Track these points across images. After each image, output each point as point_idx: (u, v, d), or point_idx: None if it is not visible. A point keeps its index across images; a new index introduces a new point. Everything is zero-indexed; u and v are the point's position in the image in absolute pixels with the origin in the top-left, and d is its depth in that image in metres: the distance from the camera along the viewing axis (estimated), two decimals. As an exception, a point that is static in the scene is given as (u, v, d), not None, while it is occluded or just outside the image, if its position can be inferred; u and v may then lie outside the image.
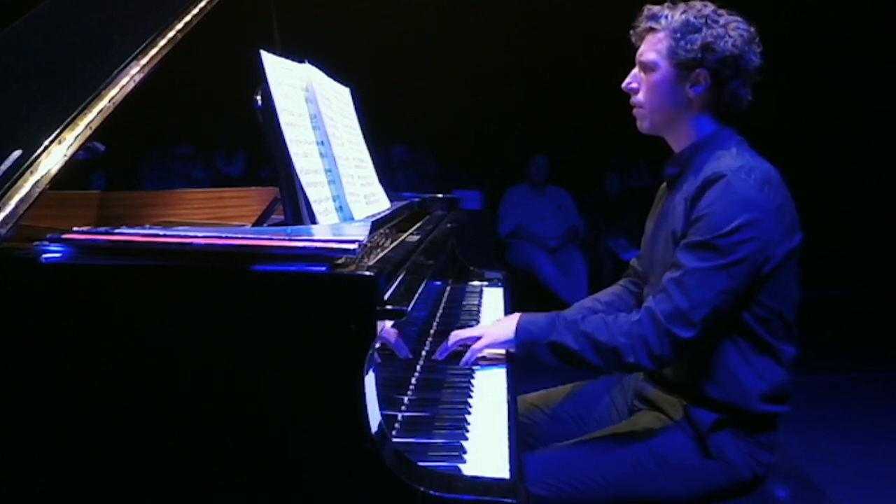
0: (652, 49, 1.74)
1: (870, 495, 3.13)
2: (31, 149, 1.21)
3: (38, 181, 1.18)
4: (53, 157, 1.20)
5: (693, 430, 1.69)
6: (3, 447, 1.11)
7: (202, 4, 1.47)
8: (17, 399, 1.11)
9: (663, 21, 1.72)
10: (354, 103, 2.00)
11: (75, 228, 1.14)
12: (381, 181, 2.00)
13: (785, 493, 1.71)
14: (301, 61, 1.62)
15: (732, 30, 1.69)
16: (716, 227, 1.58)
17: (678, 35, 1.70)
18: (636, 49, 1.79)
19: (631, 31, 1.80)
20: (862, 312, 6.34)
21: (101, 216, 2.16)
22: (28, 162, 1.19)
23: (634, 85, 1.79)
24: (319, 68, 1.69)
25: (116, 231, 1.16)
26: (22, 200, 1.16)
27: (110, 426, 1.10)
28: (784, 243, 1.63)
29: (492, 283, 2.71)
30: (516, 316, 1.74)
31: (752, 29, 1.73)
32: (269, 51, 1.44)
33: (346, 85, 1.98)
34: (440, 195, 2.88)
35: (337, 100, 1.81)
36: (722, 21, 1.70)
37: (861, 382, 4.65)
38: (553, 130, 7.29)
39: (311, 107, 1.58)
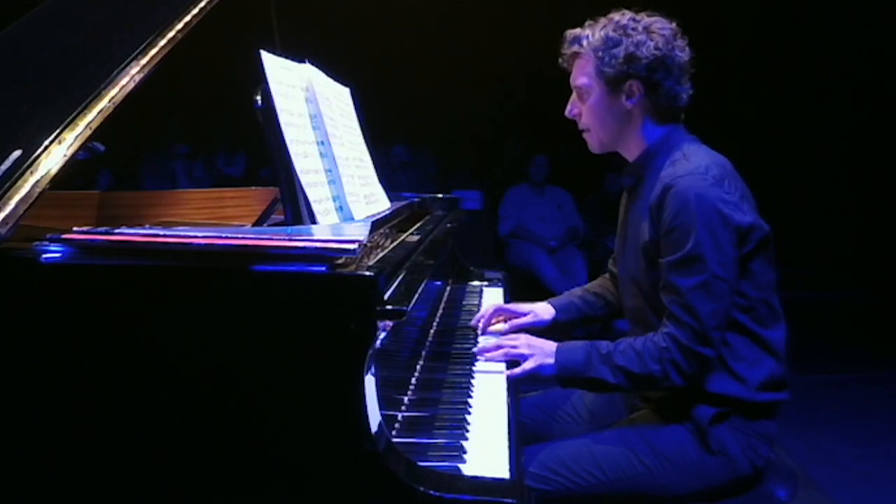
0: (581, 73, 1.77)
1: (870, 495, 3.12)
2: (31, 149, 1.21)
3: (38, 181, 1.18)
4: (53, 157, 1.20)
5: (693, 425, 1.69)
6: (3, 447, 1.11)
7: (202, 4, 1.48)
8: (18, 399, 1.11)
9: (585, 43, 1.75)
10: (354, 103, 2.00)
11: (75, 228, 1.15)
12: (381, 181, 2.00)
13: (785, 492, 1.71)
14: (301, 61, 1.62)
15: (653, 32, 1.71)
16: (688, 238, 1.60)
17: (600, 53, 1.72)
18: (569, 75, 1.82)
19: (560, 59, 1.83)
20: (862, 313, 6.33)
21: (101, 216, 2.17)
22: (28, 162, 1.19)
23: (576, 111, 1.82)
24: (319, 68, 1.69)
25: (116, 231, 1.16)
26: (22, 200, 1.16)
27: (110, 426, 1.10)
28: (756, 230, 1.65)
29: (492, 283, 2.71)
30: (554, 343, 1.76)
31: (674, 25, 1.75)
32: (269, 51, 1.44)
33: (346, 85, 1.98)
34: (440, 195, 2.89)
35: (337, 100, 1.81)
36: (641, 27, 1.71)
37: (861, 382, 4.65)
38: (553, 130, 7.27)
39: (311, 107, 1.58)
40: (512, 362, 1.76)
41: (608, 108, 1.76)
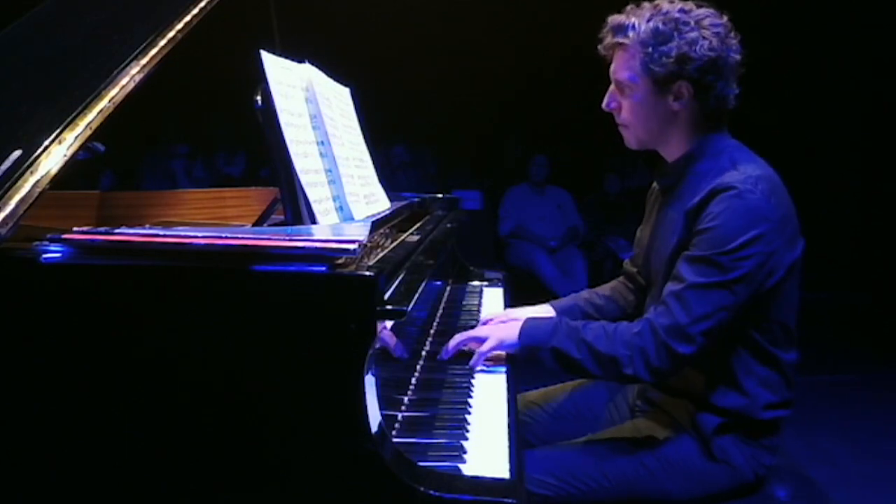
0: (625, 67, 1.65)
1: (870, 496, 3.12)
2: (31, 149, 1.21)
3: (38, 181, 1.18)
4: (53, 157, 1.20)
5: (697, 433, 1.68)
6: (3, 447, 1.11)
7: (202, 4, 1.47)
8: (17, 399, 1.11)
9: (631, 34, 1.62)
10: (354, 103, 2.00)
11: (75, 228, 1.14)
12: (381, 181, 2.00)
13: (785, 493, 1.71)
14: (301, 61, 1.62)
15: (705, 28, 1.59)
16: (720, 242, 1.53)
17: (650, 49, 1.60)
18: (608, 63, 1.70)
19: (598, 46, 1.70)
20: (862, 314, 6.33)
21: (101, 216, 2.17)
22: (28, 162, 1.19)
23: (615, 105, 1.71)
24: (319, 68, 1.69)
25: (116, 231, 1.16)
26: (22, 200, 1.16)
27: (110, 426, 1.10)
28: (789, 253, 1.60)
29: (492, 283, 2.71)
30: (521, 318, 1.72)
31: (725, 19, 1.64)
32: (269, 51, 1.44)
33: (346, 85, 1.98)
34: (440, 195, 2.88)
35: (337, 100, 1.81)
36: (692, 21, 1.60)
37: (861, 384, 4.65)
38: (553, 130, 7.29)
39: (311, 107, 1.58)
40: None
41: (652, 107, 1.65)
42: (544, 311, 1.99)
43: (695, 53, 1.59)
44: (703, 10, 1.63)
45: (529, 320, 1.70)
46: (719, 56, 1.60)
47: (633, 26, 1.62)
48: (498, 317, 1.95)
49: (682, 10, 1.61)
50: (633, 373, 1.56)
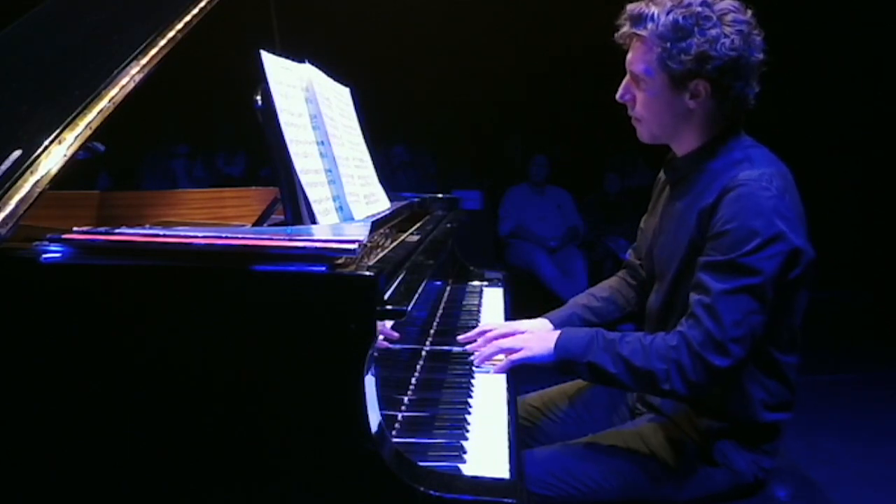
0: (641, 59, 1.59)
1: (870, 496, 3.12)
2: (31, 149, 1.21)
3: (38, 181, 1.18)
4: (53, 157, 1.20)
5: (697, 437, 1.68)
6: (3, 447, 1.11)
7: (202, 4, 1.47)
8: (17, 399, 1.11)
9: (650, 25, 1.55)
10: (354, 103, 2.00)
11: (75, 228, 1.14)
12: (381, 181, 2.00)
13: (785, 493, 1.71)
14: (301, 61, 1.62)
15: (728, 25, 1.53)
16: (738, 244, 1.49)
17: (668, 44, 1.54)
18: (625, 51, 1.65)
19: (615, 34, 1.64)
20: (862, 313, 6.33)
21: (101, 216, 2.17)
22: (28, 162, 1.19)
23: (628, 97, 1.66)
24: (319, 68, 1.69)
25: (116, 231, 1.16)
26: (22, 200, 1.16)
27: (110, 426, 1.10)
28: (805, 254, 1.55)
29: (492, 283, 2.71)
30: (556, 331, 1.69)
31: (749, 14, 1.57)
32: (269, 51, 1.44)
33: (346, 85, 1.98)
34: (440, 195, 2.88)
35: (337, 100, 1.81)
36: (715, 16, 1.53)
37: (862, 383, 4.65)
38: (553, 130, 7.29)
39: (311, 107, 1.58)
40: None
41: (668, 103, 1.60)
42: (541, 325, 1.90)
43: (715, 52, 1.53)
44: (726, 4, 1.56)
45: (565, 332, 1.65)
46: (741, 55, 1.54)
47: (653, 17, 1.56)
48: (499, 328, 1.86)
49: (704, 4, 1.54)
50: (670, 388, 1.52)
